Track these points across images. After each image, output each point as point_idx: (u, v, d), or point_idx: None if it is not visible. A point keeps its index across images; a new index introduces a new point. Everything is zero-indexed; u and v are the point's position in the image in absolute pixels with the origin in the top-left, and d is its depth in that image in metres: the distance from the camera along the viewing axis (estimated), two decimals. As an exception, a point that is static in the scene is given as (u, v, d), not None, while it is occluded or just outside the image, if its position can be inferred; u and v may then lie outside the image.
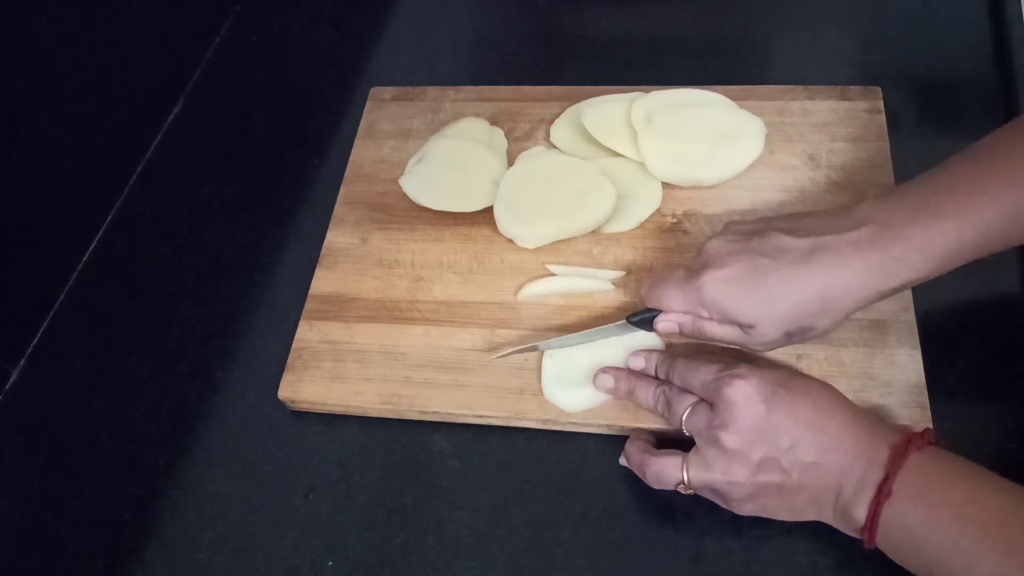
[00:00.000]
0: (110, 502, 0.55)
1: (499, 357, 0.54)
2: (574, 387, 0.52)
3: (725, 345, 0.50)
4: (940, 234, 0.42)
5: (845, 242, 0.44)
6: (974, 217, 0.42)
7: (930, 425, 0.48)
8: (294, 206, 0.68)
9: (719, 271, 0.46)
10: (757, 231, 0.48)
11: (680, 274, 0.49)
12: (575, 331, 0.54)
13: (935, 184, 0.44)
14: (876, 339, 0.52)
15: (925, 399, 0.49)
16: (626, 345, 0.53)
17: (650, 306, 0.50)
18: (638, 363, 0.52)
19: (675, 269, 0.50)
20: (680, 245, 0.58)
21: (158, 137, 0.76)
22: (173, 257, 0.67)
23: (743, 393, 0.44)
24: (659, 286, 0.50)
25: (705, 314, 0.48)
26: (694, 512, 0.49)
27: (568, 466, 0.52)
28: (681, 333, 0.50)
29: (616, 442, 0.52)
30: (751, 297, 0.46)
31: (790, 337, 0.46)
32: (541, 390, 0.53)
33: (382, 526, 0.51)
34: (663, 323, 0.49)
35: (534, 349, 0.54)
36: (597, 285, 0.57)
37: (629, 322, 0.51)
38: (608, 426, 0.52)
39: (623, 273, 0.58)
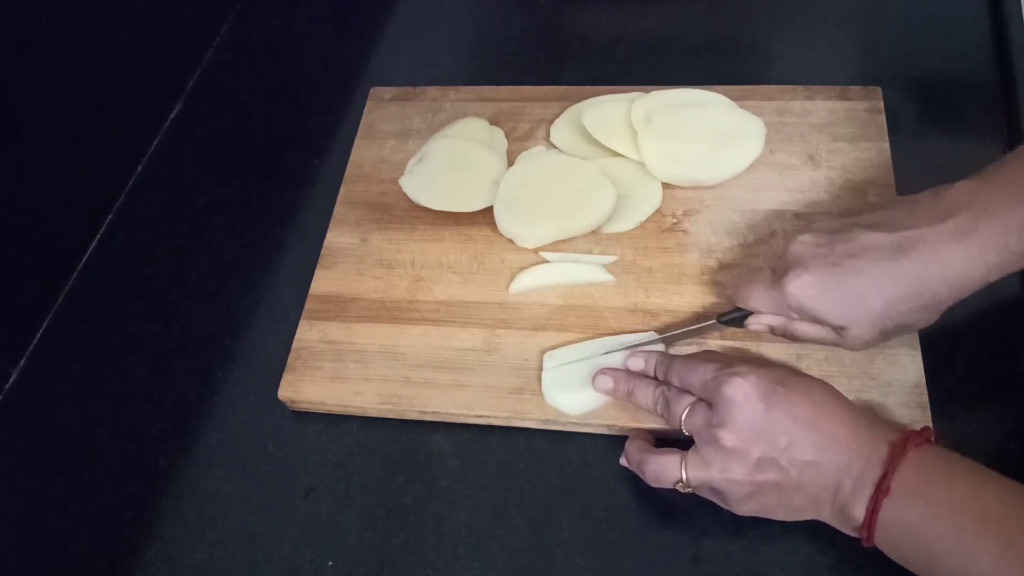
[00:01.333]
0: (110, 502, 0.55)
1: (552, 368, 0.53)
2: (574, 389, 0.52)
3: (819, 345, 0.49)
4: None
5: (940, 233, 0.43)
6: None
7: (930, 425, 0.48)
8: (294, 206, 0.69)
9: (803, 274, 0.46)
10: (842, 229, 0.46)
11: (766, 275, 0.48)
12: (575, 332, 0.54)
13: None
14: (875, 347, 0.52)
15: (925, 399, 0.49)
16: (622, 342, 0.53)
17: (739, 305, 0.50)
18: (637, 364, 0.51)
19: (760, 269, 0.49)
20: (680, 245, 0.58)
21: (158, 137, 0.76)
22: (173, 257, 0.67)
23: (742, 391, 0.44)
24: (745, 287, 0.49)
25: (795, 316, 0.48)
26: (694, 512, 0.49)
27: (568, 466, 0.52)
28: (773, 333, 0.50)
29: (616, 442, 0.52)
30: (839, 299, 0.45)
31: (887, 335, 0.46)
32: (541, 391, 0.53)
33: (382, 526, 0.51)
34: (755, 324, 0.49)
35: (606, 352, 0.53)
36: (591, 274, 0.57)
37: (720, 321, 0.51)
38: (608, 426, 0.52)
39: (615, 258, 0.58)
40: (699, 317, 0.54)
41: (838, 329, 0.46)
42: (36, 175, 0.64)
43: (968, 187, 0.44)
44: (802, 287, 0.46)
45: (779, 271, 0.48)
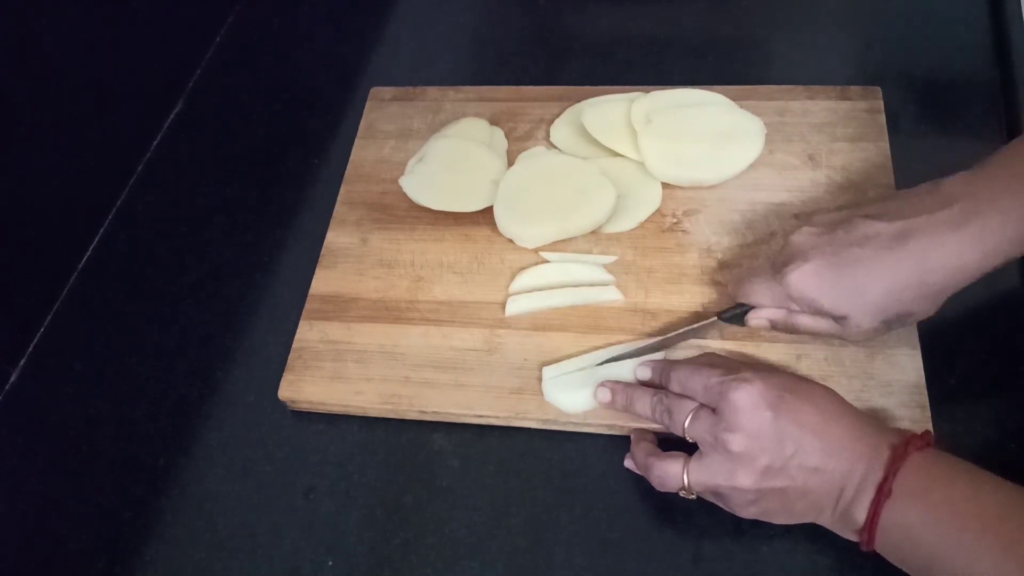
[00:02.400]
0: (110, 502, 0.55)
1: (554, 377, 0.53)
2: (574, 389, 0.52)
3: (822, 336, 0.49)
4: None
5: (939, 221, 0.43)
6: None
7: (930, 425, 0.48)
8: (294, 206, 0.68)
9: (804, 264, 0.46)
10: (842, 220, 0.47)
11: (766, 269, 0.49)
12: (575, 332, 0.54)
13: None
14: (876, 339, 0.51)
15: (925, 399, 0.49)
16: (619, 351, 0.53)
17: (740, 301, 0.50)
18: (645, 374, 0.51)
19: (760, 263, 0.49)
20: (680, 245, 0.58)
21: (158, 137, 0.76)
22: (173, 257, 0.67)
23: (749, 398, 0.43)
24: (747, 282, 0.49)
25: (796, 308, 0.48)
26: (694, 513, 0.49)
27: (568, 466, 0.52)
28: (774, 328, 0.50)
29: (616, 442, 0.52)
30: (839, 288, 0.45)
31: (889, 325, 0.46)
32: (541, 391, 0.53)
33: (382, 526, 0.51)
34: (755, 320, 0.49)
35: (608, 361, 0.53)
36: (591, 274, 0.57)
37: (721, 319, 0.51)
38: (608, 426, 0.52)
39: (615, 257, 0.58)
40: (699, 317, 0.54)
41: (839, 319, 0.46)
42: (36, 175, 0.64)
43: (965, 178, 0.44)
44: (803, 277, 0.46)
45: (779, 264, 0.48)
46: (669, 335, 0.53)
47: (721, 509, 0.46)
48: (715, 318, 0.52)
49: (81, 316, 0.65)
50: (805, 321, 0.48)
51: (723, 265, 0.57)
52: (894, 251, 0.44)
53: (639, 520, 0.49)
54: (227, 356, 0.61)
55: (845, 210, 0.48)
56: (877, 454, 0.42)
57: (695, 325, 0.52)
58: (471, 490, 0.52)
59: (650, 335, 0.54)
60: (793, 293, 0.47)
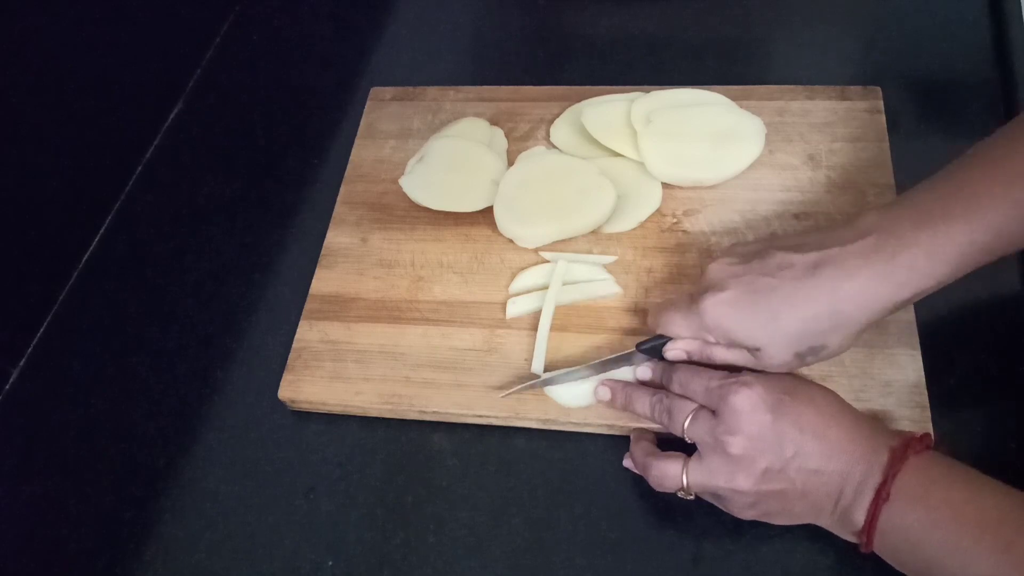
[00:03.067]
0: (110, 502, 0.55)
1: (506, 395, 0.53)
2: (573, 384, 0.52)
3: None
4: (949, 238, 0.42)
5: (850, 253, 0.43)
6: (982, 219, 0.41)
7: (930, 425, 0.48)
8: (294, 206, 0.69)
9: (719, 294, 0.46)
10: (759, 251, 0.47)
11: (684, 299, 0.49)
12: (575, 332, 0.54)
13: (940, 189, 0.44)
14: (876, 339, 0.51)
15: (925, 399, 0.49)
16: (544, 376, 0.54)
17: (658, 332, 0.50)
18: (646, 374, 0.51)
19: (680, 294, 0.49)
20: (680, 245, 0.58)
21: (158, 137, 0.76)
22: (173, 257, 0.67)
23: (749, 401, 0.44)
24: (664, 313, 0.49)
25: (711, 339, 0.47)
26: (694, 513, 0.49)
27: (568, 466, 0.52)
28: (691, 359, 0.49)
29: (616, 442, 0.52)
30: (754, 319, 0.45)
31: (802, 358, 0.46)
32: (540, 390, 0.53)
33: (382, 526, 0.51)
34: (672, 351, 0.49)
35: (543, 383, 0.53)
36: (591, 274, 0.57)
37: (639, 350, 0.51)
38: (608, 426, 0.52)
39: (615, 257, 0.58)
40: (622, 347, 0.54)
41: (753, 351, 0.46)
42: (36, 175, 0.64)
43: (881, 211, 0.45)
44: (717, 306, 0.46)
45: (695, 294, 0.48)
46: (591, 362, 0.52)
47: (721, 510, 0.46)
48: (634, 349, 0.51)
49: (81, 316, 0.65)
50: (720, 353, 0.48)
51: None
52: (806, 281, 0.44)
53: (639, 520, 0.49)
54: (227, 356, 0.61)
55: (762, 241, 0.49)
56: (876, 457, 0.42)
57: (613, 356, 0.52)
58: (471, 490, 0.52)
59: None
60: (708, 322, 0.46)
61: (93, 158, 0.70)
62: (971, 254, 0.42)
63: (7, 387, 0.62)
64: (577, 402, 0.52)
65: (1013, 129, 0.44)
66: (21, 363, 0.63)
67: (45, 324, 0.65)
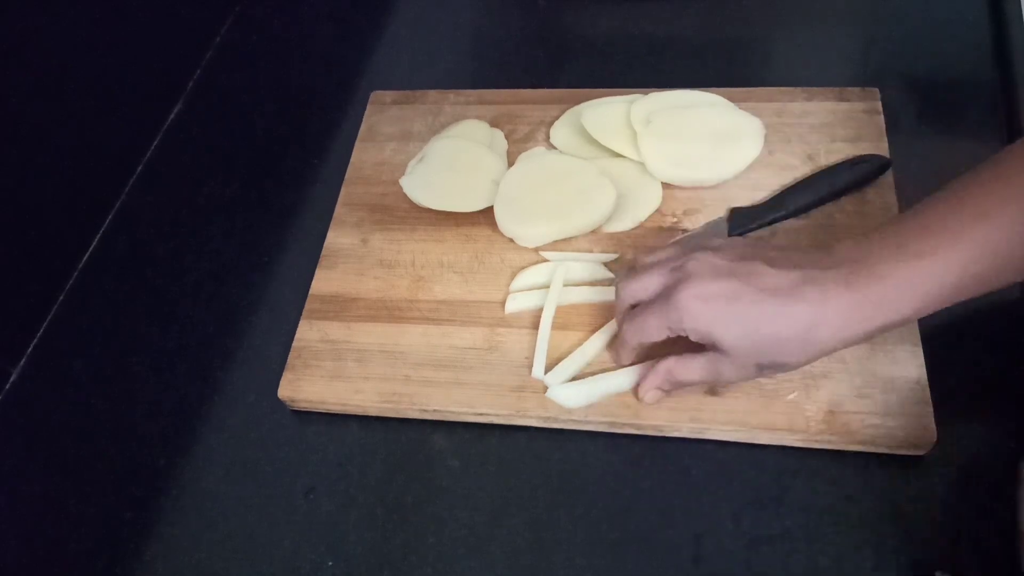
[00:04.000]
0: (110, 502, 0.55)
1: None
2: (574, 383, 0.52)
3: (696, 383, 0.49)
4: (917, 273, 0.41)
5: (830, 279, 0.43)
6: (949, 257, 0.41)
7: (932, 421, 0.48)
8: (294, 206, 0.69)
9: (700, 287, 0.45)
10: (743, 256, 0.46)
11: (654, 284, 0.48)
12: (576, 331, 0.54)
13: (911, 224, 0.43)
14: (877, 337, 0.51)
15: (927, 394, 0.49)
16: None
17: (626, 305, 0.50)
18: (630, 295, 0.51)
19: (646, 270, 0.49)
20: (680, 245, 0.59)
21: (158, 137, 0.76)
22: (173, 257, 0.67)
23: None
24: (635, 277, 0.49)
25: (673, 333, 0.46)
26: (694, 512, 0.49)
27: (568, 466, 0.52)
28: (642, 350, 0.50)
29: (616, 441, 0.52)
30: (730, 324, 0.44)
31: (761, 369, 0.46)
32: (541, 387, 0.53)
33: (382, 526, 0.51)
34: (648, 394, 0.50)
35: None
36: (591, 273, 0.57)
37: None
38: (609, 423, 0.52)
39: (616, 255, 0.58)
40: None
41: (719, 355, 0.46)
42: (36, 175, 0.64)
43: (855, 242, 0.44)
44: (695, 299, 0.45)
45: (672, 285, 0.46)
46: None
47: (721, 509, 0.46)
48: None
49: (81, 316, 0.65)
50: (681, 369, 0.48)
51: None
52: (789, 303, 0.43)
53: (639, 520, 0.49)
54: (227, 356, 0.61)
55: (742, 246, 0.48)
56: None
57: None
58: (471, 490, 0.52)
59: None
60: (684, 311, 0.45)
61: (93, 158, 0.70)
62: (941, 292, 0.41)
63: (7, 387, 0.62)
64: (578, 402, 0.52)
65: (990, 165, 0.43)
66: (21, 363, 0.63)
67: (45, 324, 0.65)
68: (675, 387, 0.50)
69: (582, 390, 0.52)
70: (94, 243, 0.69)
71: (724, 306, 0.44)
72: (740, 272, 0.45)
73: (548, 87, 0.70)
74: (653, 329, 0.47)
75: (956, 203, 0.42)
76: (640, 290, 0.49)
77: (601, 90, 0.67)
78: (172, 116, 0.77)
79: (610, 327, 0.54)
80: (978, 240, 0.41)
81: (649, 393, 0.50)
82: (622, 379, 0.52)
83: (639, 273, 0.49)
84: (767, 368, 0.46)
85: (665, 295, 0.46)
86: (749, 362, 0.45)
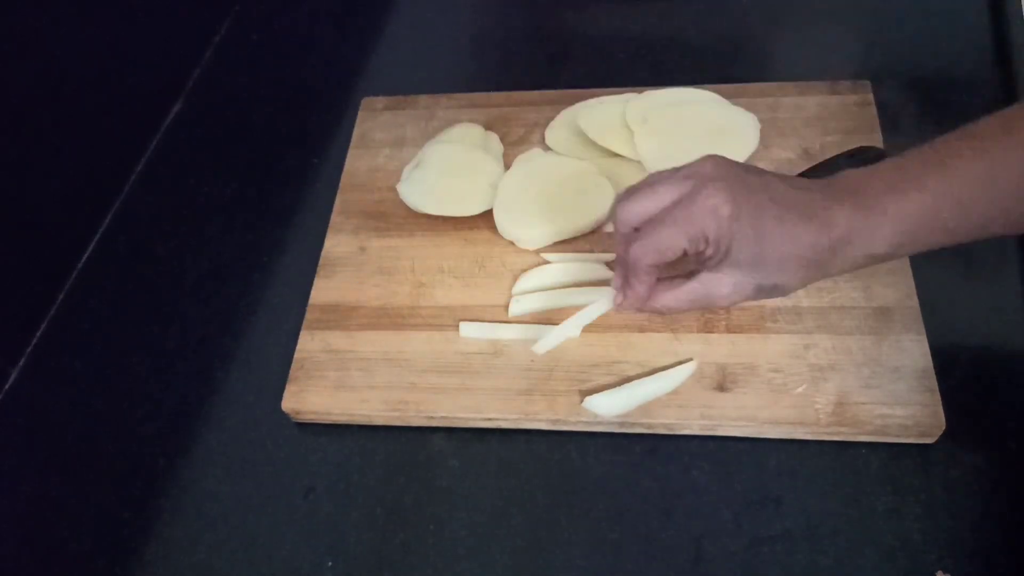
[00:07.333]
0: (110, 502, 0.55)
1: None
2: (611, 391, 0.52)
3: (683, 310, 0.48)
4: (897, 208, 0.42)
5: (835, 201, 0.42)
6: (917, 199, 0.42)
7: (940, 409, 0.48)
8: (294, 206, 0.68)
9: (728, 194, 0.42)
10: (753, 171, 0.44)
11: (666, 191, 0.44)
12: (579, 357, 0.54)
13: (893, 165, 0.44)
14: (882, 326, 0.52)
15: (934, 383, 0.49)
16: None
17: (632, 223, 0.45)
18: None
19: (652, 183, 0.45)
20: (680, 245, 0.58)
21: (158, 137, 0.76)
22: (173, 257, 0.67)
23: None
24: (650, 235, 0.44)
25: (691, 248, 0.43)
26: (694, 512, 0.49)
27: (568, 466, 0.52)
28: (640, 309, 0.48)
29: (617, 440, 0.52)
30: (752, 236, 0.42)
31: (758, 291, 0.44)
32: (550, 391, 0.53)
33: (382, 526, 0.51)
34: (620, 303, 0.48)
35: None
36: (593, 273, 0.57)
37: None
38: (619, 423, 0.51)
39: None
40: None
41: (717, 273, 0.44)
42: (36, 175, 0.64)
43: (858, 173, 0.44)
44: (724, 203, 0.42)
45: (689, 193, 0.43)
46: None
47: (720, 509, 0.46)
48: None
49: (81, 316, 0.65)
50: (668, 295, 0.46)
51: None
52: (805, 222, 0.42)
53: (639, 520, 0.49)
54: (227, 356, 0.61)
55: (758, 170, 0.45)
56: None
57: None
58: (471, 491, 0.52)
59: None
60: (707, 212, 0.42)
61: (93, 158, 0.70)
62: (913, 231, 0.42)
63: (7, 387, 0.62)
64: (614, 410, 0.51)
65: (973, 123, 0.45)
66: (21, 363, 0.63)
67: (45, 324, 0.65)
68: (656, 313, 0.48)
69: (620, 398, 0.51)
70: (94, 243, 0.69)
71: (749, 218, 0.42)
72: (756, 186, 0.43)
73: (546, 88, 0.70)
74: (670, 242, 0.43)
75: (931, 153, 0.44)
76: (651, 204, 0.44)
77: (594, 90, 0.67)
78: (172, 116, 0.77)
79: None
80: (940, 190, 0.42)
81: (624, 310, 0.49)
82: (659, 384, 0.51)
83: (643, 189, 0.45)
84: (764, 290, 0.44)
85: (686, 202, 0.43)
86: (751, 282, 0.44)
